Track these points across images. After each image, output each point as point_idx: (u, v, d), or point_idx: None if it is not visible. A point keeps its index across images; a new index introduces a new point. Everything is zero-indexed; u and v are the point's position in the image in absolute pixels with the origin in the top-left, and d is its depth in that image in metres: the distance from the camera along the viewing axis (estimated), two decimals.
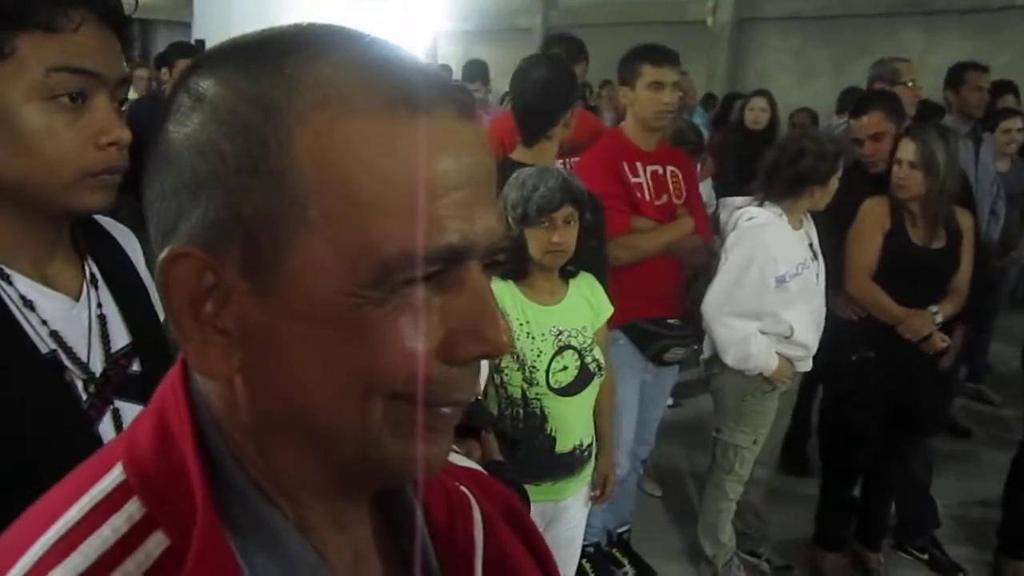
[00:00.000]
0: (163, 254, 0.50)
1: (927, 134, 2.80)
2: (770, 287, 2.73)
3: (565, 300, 2.29)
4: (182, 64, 4.73)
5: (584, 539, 2.91)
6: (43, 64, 0.90)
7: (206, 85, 0.50)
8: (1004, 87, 5.43)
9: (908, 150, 2.82)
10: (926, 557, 3.38)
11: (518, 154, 2.67)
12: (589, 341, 2.29)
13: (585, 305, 2.34)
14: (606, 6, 11.49)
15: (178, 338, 0.52)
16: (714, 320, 2.79)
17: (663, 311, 2.96)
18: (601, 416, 2.42)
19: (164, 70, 4.92)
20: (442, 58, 12.04)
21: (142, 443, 0.54)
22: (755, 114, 5.92)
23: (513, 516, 0.73)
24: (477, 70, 6.26)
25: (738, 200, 2.94)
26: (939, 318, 2.92)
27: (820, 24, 9.43)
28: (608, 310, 2.41)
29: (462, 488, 0.68)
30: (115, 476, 0.53)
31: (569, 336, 2.25)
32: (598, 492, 2.49)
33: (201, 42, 12.36)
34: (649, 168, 2.98)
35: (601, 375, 2.31)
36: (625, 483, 3.08)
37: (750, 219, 2.79)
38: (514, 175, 2.21)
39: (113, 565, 0.50)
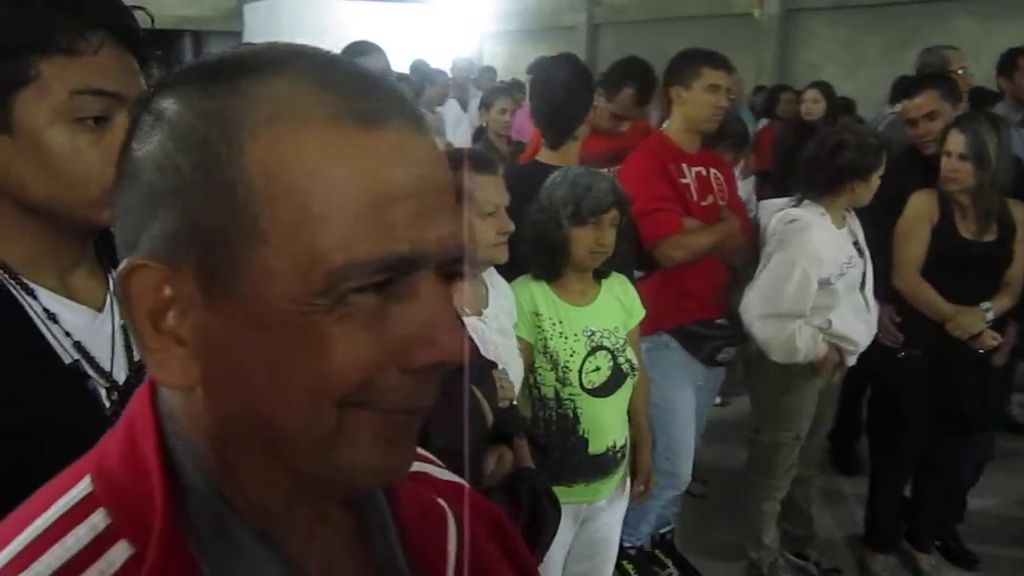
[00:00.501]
0: (121, 266, 0.52)
1: (977, 124, 2.70)
2: (813, 290, 2.68)
3: (597, 301, 2.29)
4: None
5: (627, 541, 2.90)
6: (67, 87, 0.92)
7: (166, 104, 0.52)
8: None
9: (957, 142, 2.73)
10: (939, 544, 3.32)
11: (545, 156, 2.68)
12: (622, 342, 2.29)
13: (618, 306, 2.33)
14: (651, 1, 11.39)
15: (140, 350, 0.53)
16: (754, 322, 2.75)
17: (711, 312, 2.95)
18: (637, 415, 2.42)
19: None
20: (488, 59, 12.10)
21: (111, 455, 0.56)
22: (807, 106, 5.83)
23: (499, 531, 0.74)
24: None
25: (778, 202, 2.89)
26: (990, 315, 2.83)
27: (869, 12, 9.22)
28: (640, 312, 2.41)
29: (439, 500, 0.68)
30: (83, 487, 0.55)
31: (602, 336, 2.25)
32: (642, 487, 2.49)
33: None
34: (694, 169, 2.98)
35: (634, 375, 2.31)
36: (677, 489, 3.07)
37: (791, 221, 2.73)
38: (559, 173, 2.22)
39: (75, 573, 0.51)
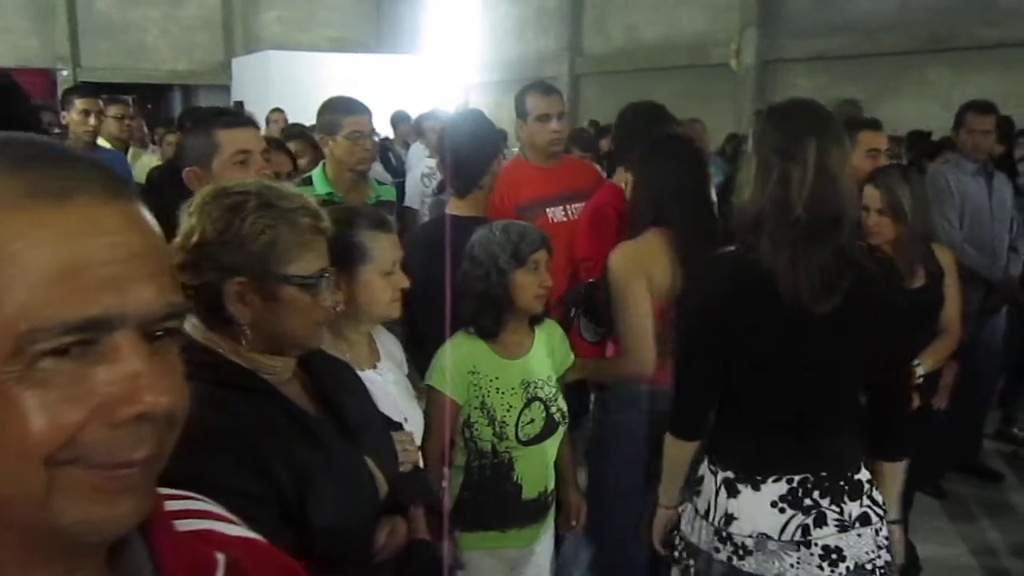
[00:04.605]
0: None
1: (889, 179, 2.75)
2: None
3: (532, 351, 2.30)
4: None
5: None
6: None
7: None
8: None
9: (873, 197, 2.77)
10: None
11: (454, 207, 2.70)
12: (554, 391, 2.30)
13: (550, 354, 2.34)
14: (631, 53, 11.59)
15: None
16: None
17: None
18: (562, 456, 2.41)
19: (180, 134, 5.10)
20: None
21: None
22: None
23: None
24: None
25: None
26: (920, 370, 2.82)
27: (846, 63, 9.35)
28: (571, 359, 2.42)
29: (217, 554, 0.71)
30: None
31: (536, 388, 2.25)
32: (574, 523, 2.51)
33: (240, 103, 12.79)
34: None
35: (565, 423, 2.31)
36: None
37: None
38: (486, 229, 2.23)
39: None
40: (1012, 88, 7.69)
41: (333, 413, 1.40)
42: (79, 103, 4.26)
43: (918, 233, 2.73)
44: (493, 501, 2.22)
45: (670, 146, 2.70)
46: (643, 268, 2.46)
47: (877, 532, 1.92)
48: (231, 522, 0.79)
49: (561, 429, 2.30)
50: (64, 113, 4.38)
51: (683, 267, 2.42)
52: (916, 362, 2.81)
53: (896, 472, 2.00)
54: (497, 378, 2.20)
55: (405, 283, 1.87)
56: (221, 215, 1.26)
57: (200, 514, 0.77)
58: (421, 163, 5.87)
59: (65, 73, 13.00)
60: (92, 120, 4.31)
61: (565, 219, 3.17)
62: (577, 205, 3.17)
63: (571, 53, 12.35)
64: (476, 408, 2.19)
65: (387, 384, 1.93)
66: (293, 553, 1.18)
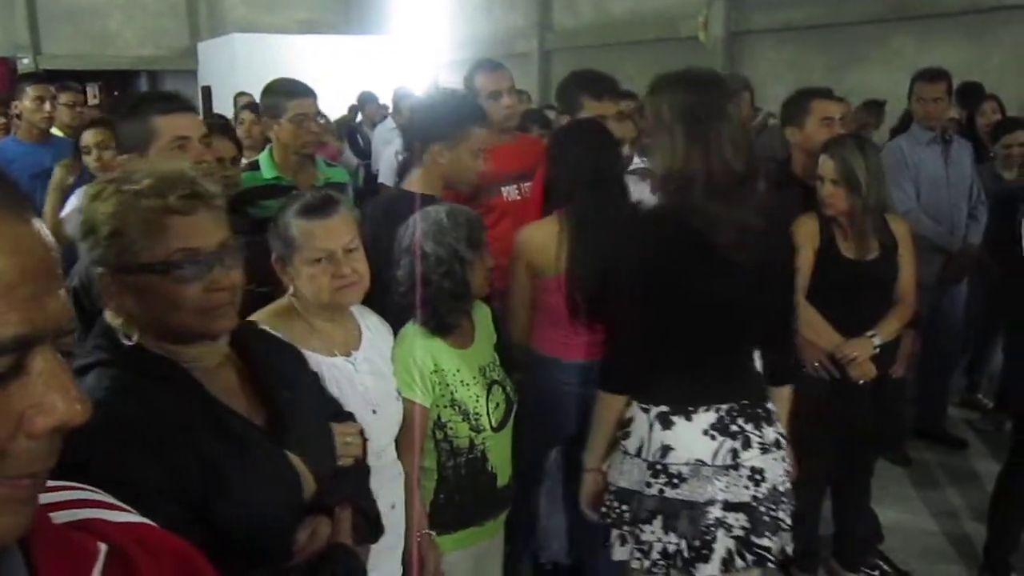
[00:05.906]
0: None
1: (844, 149, 2.73)
2: None
3: (477, 336, 2.26)
4: None
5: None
6: None
7: None
8: (974, 91, 5.31)
9: (828, 168, 2.77)
10: (876, 573, 3.29)
11: (408, 183, 2.63)
12: (502, 371, 2.27)
13: (487, 335, 2.31)
14: (600, 27, 11.52)
15: None
16: None
17: None
18: None
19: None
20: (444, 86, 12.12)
21: None
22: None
23: (188, 567, 0.80)
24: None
25: None
26: (877, 341, 2.84)
27: (813, 33, 9.33)
28: (494, 336, 2.36)
29: (98, 543, 0.71)
30: None
31: (491, 371, 2.22)
32: None
33: (207, 88, 12.58)
34: None
35: (517, 399, 2.29)
36: None
37: None
38: (425, 221, 2.12)
39: None
40: (975, 55, 7.73)
41: (266, 402, 1.35)
42: (31, 91, 4.19)
43: (872, 204, 2.74)
44: (472, 497, 2.17)
45: (579, 128, 2.77)
46: (523, 252, 2.60)
47: (783, 459, 2.15)
48: (117, 509, 0.78)
49: (515, 407, 2.27)
50: (15, 102, 4.31)
51: (571, 248, 2.50)
52: (871, 333, 2.83)
53: (786, 396, 2.28)
54: (459, 371, 2.14)
55: (348, 267, 1.79)
56: (85, 206, 1.24)
57: (81, 503, 0.76)
58: (395, 141, 5.79)
59: (26, 61, 12.72)
60: (47, 106, 4.23)
61: (518, 197, 3.18)
62: (528, 184, 3.18)
63: (540, 29, 12.25)
64: (447, 407, 2.11)
65: (360, 374, 1.87)
66: (199, 549, 1.16)
